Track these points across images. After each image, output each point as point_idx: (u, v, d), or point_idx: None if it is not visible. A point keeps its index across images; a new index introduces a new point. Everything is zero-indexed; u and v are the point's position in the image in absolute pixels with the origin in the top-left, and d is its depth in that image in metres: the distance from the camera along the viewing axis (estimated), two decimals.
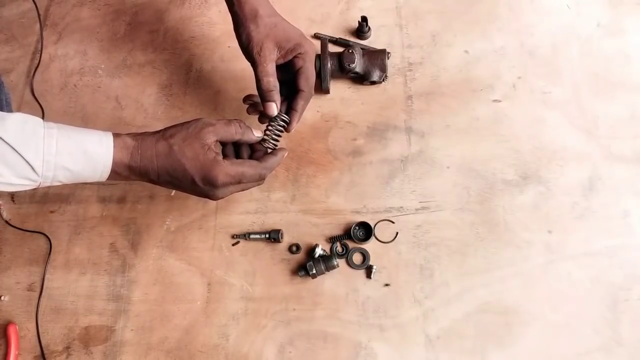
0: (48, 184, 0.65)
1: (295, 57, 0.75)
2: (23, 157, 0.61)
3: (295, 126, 0.76)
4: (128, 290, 0.82)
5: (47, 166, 0.62)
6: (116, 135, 0.68)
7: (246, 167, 0.70)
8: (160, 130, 0.70)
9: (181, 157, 0.67)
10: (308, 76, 0.75)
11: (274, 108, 0.74)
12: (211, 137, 0.68)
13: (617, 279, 0.74)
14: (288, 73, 0.76)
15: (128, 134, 0.69)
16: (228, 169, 0.68)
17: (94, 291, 0.83)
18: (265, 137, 0.74)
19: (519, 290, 0.75)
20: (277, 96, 0.74)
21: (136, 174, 0.68)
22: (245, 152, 0.74)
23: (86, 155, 0.64)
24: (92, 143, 0.65)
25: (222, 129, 0.70)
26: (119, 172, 0.68)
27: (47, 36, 1.02)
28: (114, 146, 0.66)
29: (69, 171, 0.64)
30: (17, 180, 0.62)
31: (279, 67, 0.76)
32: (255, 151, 0.75)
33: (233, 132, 0.70)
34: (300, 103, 0.76)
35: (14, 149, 0.60)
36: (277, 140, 0.75)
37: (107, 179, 0.68)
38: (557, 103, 0.85)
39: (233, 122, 0.71)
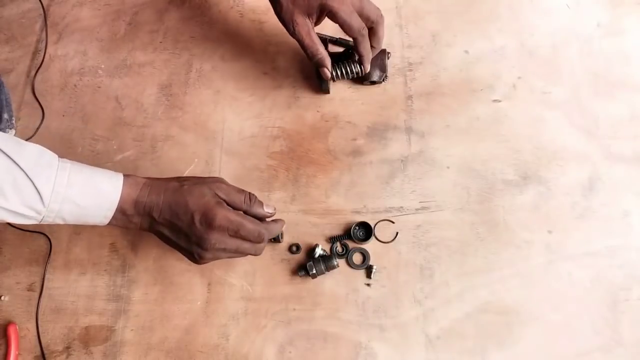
0: (49, 221, 0.65)
1: (328, 16, 0.77)
2: (34, 184, 0.61)
3: (367, 62, 0.82)
4: (128, 290, 0.82)
5: (56, 197, 0.63)
6: (127, 175, 0.69)
7: (247, 221, 0.68)
8: (178, 177, 0.72)
9: (187, 195, 0.68)
10: (349, 23, 0.76)
11: (326, 72, 0.81)
12: (221, 193, 0.69)
13: (617, 279, 0.74)
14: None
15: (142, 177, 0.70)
16: (228, 213, 0.67)
17: (94, 291, 0.83)
18: (337, 68, 0.82)
19: (519, 290, 0.75)
20: (325, 61, 0.80)
21: (140, 212, 0.69)
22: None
23: (95, 189, 0.65)
24: (102, 178, 0.67)
25: (233, 193, 0.70)
26: (124, 210, 0.68)
27: (47, 36, 1.02)
28: (124, 183, 0.68)
29: (75, 205, 0.64)
30: (21, 208, 0.62)
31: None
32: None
33: (241, 201, 0.70)
34: (360, 46, 0.79)
35: (26, 174, 0.61)
36: (342, 74, 0.83)
37: (109, 220, 0.68)
38: (557, 103, 0.85)
39: (245, 193, 0.71)
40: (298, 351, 0.76)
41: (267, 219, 0.74)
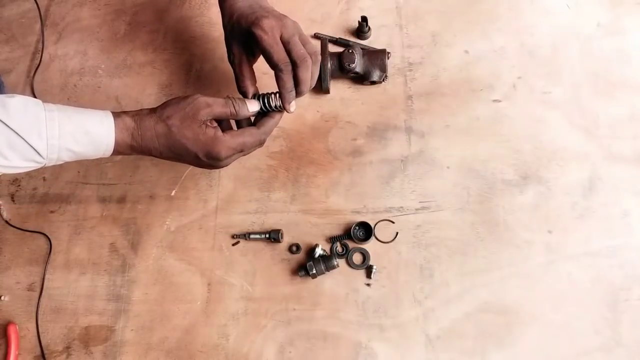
0: (52, 164, 0.67)
1: (254, 45, 0.72)
2: (28, 143, 0.63)
3: (287, 103, 0.72)
4: (128, 290, 0.82)
5: (52, 149, 0.65)
6: (116, 116, 0.70)
7: (246, 137, 0.72)
8: (157, 109, 0.71)
9: (181, 138, 0.69)
10: (269, 53, 0.70)
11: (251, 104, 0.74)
12: (208, 117, 0.70)
13: (617, 279, 0.74)
14: None
15: (126, 113, 0.71)
16: (229, 142, 0.70)
17: (94, 291, 0.83)
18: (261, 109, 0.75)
19: (519, 290, 0.75)
20: (248, 95, 0.75)
21: (138, 151, 0.71)
22: (244, 121, 0.75)
23: (88, 136, 0.67)
24: (93, 124, 0.68)
25: (219, 110, 0.71)
26: (121, 151, 0.71)
27: (47, 36, 1.02)
28: (115, 126, 0.69)
29: (72, 152, 0.67)
30: (23, 163, 0.65)
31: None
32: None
33: (228, 113, 0.71)
34: (278, 81, 0.71)
35: (18, 134, 0.62)
36: (268, 111, 0.74)
37: (111, 154, 0.71)
38: (557, 103, 0.85)
39: (228, 102, 0.72)
40: (298, 351, 0.76)
41: (264, 120, 0.74)
